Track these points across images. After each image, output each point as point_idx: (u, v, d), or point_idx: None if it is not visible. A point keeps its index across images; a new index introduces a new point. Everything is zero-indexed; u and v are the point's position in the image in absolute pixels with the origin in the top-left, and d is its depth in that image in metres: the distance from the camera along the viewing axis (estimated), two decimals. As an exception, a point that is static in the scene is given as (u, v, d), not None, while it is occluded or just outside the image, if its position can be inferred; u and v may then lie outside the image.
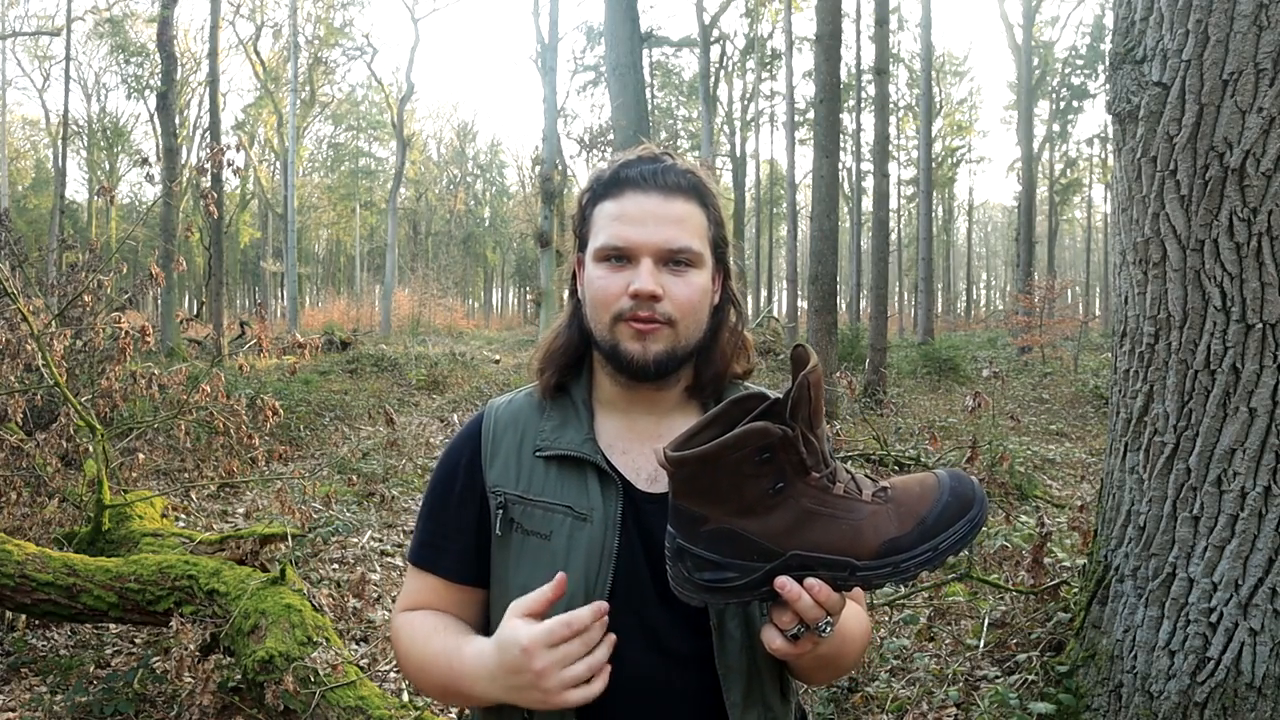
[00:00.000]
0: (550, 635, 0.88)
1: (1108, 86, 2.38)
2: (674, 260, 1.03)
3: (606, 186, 1.07)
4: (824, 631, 0.88)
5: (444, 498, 1.11)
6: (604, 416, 1.11)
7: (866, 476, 0.92)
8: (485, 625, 1.11)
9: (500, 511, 1.06)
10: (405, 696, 2.96)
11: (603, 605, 0.91)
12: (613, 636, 0.93)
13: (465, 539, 1.09)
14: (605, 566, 1.01)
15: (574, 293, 1.14)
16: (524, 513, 1.05)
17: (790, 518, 0.86)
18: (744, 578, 0.87)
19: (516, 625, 0.91)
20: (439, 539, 1.11)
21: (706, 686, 1.02)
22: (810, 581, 0.86)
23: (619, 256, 1.03)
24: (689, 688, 1.02)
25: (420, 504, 1.16)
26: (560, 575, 0.94)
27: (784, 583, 0.85)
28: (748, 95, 34.30)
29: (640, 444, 1.09)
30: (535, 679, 0.89)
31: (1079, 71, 29.86)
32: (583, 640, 0.89)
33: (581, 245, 1.10)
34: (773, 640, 0.89)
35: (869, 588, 0.89)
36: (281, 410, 4.12)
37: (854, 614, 1.06)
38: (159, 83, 16.31)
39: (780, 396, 0.88)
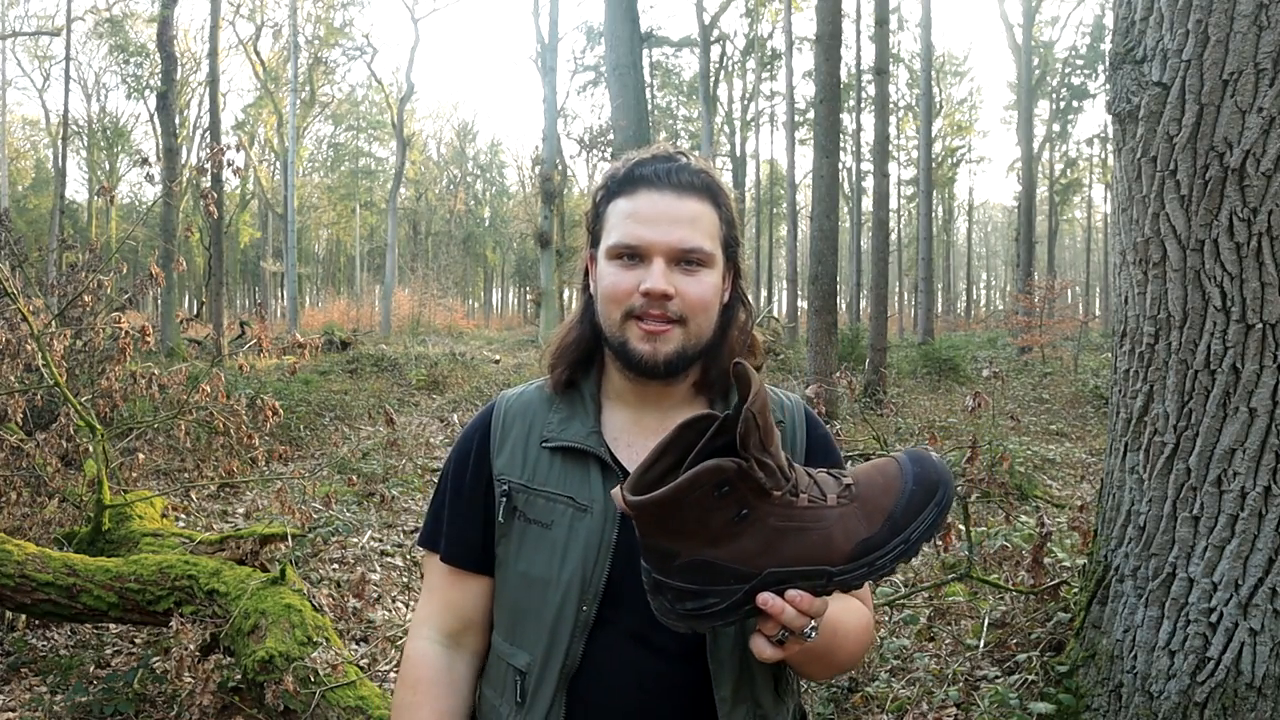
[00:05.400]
0: None
1: (1108, 86, 2.38)
2: (686, 260, 1.04)
3: (621, 184, 1.07)
4: (809, 635, 0.88)
5: (454, 484, 1.14)
6: (612, 410, 1.12)
7: (827, 473, 0.91)
8: (491, 613, 1.13)
9: (504, 499, 1.08)
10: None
11: None
12: None
13: (472, 525, 1.12)
14: (603, 558, 1.03)
15: (585, 288, 1.15)
16: (527, 501, 1.07)
17: (760, 539, 0.85)
18: (725, 601, 0.87)
19: None
20: (446, 524, 1.14)
21: (697, 681, 1.03)
22: (791, 593, 0.86)
23: (631, 255, 1.04)
24: (680, 681, 1.03)
25: (431, 492, 1.20)
26: None
27: (766, 599, 0.85)
28: (748, 95, 34.29)
29: (646, 438, 1.09)
30: None
31: (1079, 71, 29.84)
32: None
33: (594, 241, 1.11)
34: (763, 650, 0.89)
35: (848, 589, 0.89)
36: (281, 410, 4.12)
37: (852, 609, 1.07)
38: (159, 83, 16.31)
39: (730, 413, 0.86)
